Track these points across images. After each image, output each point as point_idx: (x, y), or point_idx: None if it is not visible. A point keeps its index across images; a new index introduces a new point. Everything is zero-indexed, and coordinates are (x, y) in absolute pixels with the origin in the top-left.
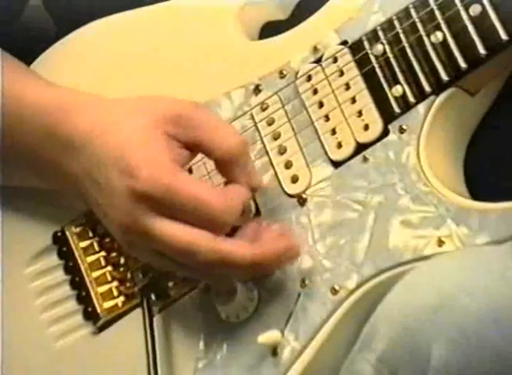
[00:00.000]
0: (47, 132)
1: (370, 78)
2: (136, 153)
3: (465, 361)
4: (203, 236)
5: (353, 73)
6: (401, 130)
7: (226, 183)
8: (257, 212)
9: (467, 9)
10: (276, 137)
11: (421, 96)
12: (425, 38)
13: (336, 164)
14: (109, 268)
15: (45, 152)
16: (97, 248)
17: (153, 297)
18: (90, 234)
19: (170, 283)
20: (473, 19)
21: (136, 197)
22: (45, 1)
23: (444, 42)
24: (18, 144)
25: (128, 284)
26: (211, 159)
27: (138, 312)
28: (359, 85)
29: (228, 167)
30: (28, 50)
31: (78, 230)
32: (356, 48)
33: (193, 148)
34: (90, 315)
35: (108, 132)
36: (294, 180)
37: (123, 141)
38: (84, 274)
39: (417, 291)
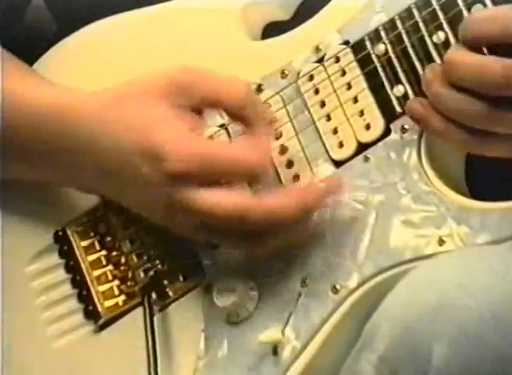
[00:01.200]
0: (53, 131)
1: (372, 78)
2: (155, 135)
3: (466, 360)
4: (246, 196)
5: (355, 72)
6: (403, 130)
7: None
8: None
9: (469, 9)
10: (278, 136)
11: (422, 96)
12: (427, 38)
13: (338, 164)
14: (110, 267)
15: (57, 153)
16: (98, 247)
17: (154, 296)
18: (91, 233)
19: (171, 283)
20: None
21: (171, 178)
22: (47, 1)
23: (446, 42)
24: (26, 142)
25: (129, 283)
26: (223, 111)
27: (139, 311)
28: (361, 85)
29: (242, 111)
30: (30, 50)
31: (79, 229)
32: (358, 47)
33: (202, 107)
34: (91, 314)
35: (118, 121)
36: (296, 179)
37: (137, 126)
38: (85, 273)
39: (418, 291)
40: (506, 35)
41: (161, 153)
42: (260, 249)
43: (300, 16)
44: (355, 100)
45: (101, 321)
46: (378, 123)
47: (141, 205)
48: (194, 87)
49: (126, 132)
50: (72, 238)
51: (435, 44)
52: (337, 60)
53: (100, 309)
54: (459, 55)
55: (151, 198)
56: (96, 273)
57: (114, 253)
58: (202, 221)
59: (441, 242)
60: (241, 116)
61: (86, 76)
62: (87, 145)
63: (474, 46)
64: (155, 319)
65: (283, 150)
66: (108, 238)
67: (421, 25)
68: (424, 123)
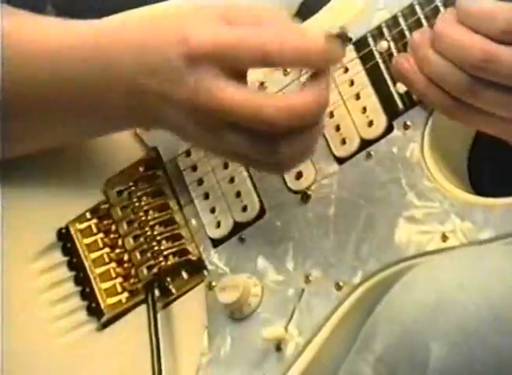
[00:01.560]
0: (97, 58)
1: (374, 74)
2: (189, 21)
3: (464, 360)
4: (267, 95)
5: (357, 69)
6: (405, 127)
7: None
8: (262, 209)
9: None
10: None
11: None
12: None
13: (341, 160)
14: (113, 264)
15: (102, 79)
16: (101, 244)
17: (157, 293)
18: (95, 231)
19: (174, 280)
20: None
21: (194, 60)
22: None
23: None
24: (67, 88)
25: (132, 281)
26: None
27: (142, 308)
28: (363, 82)
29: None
30: None
31: (82, 226)
32: (360, 44)
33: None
34: (94, 311)
35: (159, 21)
36: (298, 176)
37: (174, 17)
38: (88, 270)
39: (416, 291)
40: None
41: (188, 35)
42: (275, 159)
43: (303, 13)
44: (357, 97)
45: (104, 318)
46: (381, 120)
47: (172, 108)
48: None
49: (167, 23)
50: (75, 236)
51: None
52: None
53: (103, 307)
54: (446, 27)
55: (179, 92)
56: (99, 270)
57: (117, 250)
58: (222, 120)
59: (444, 238)
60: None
61: None
62: (132, 51)
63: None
64: (159, 316)
65: None
66: (111, 236)
67: (423, 21)
68: (407, 81)
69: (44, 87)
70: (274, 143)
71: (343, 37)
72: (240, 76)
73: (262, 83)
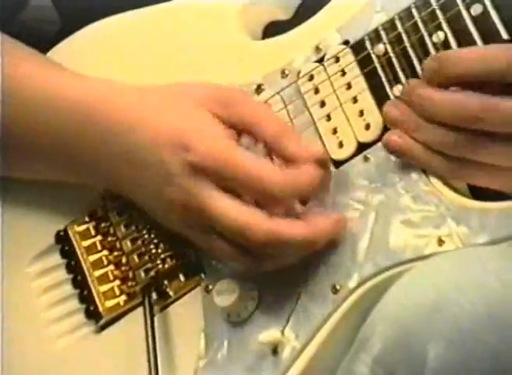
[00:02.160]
0: (85, 122)
1: (371, 78)
2: (190, 129)
3: (462, 360)
4: (257, 216)
5: (354, 72)
6: None
7: None
8: None
9: (468, 9)
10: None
11: None
12: (427, 38)
13: (337, 164)
14: (111, 267)
15: (82, 143)
16: (99, 247)
17: (154, 296)
18: (93, 233)
19: (171, 283)
20: (474, 19)
21: (194, 170)
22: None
23: (445, 42)
24: (46, 137)
25: (130, 283)
26: (259, 141)
27: (139, 311)
28: (360, 85)
29: (282, 143)
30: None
31: (80, 229)
32: (358, 47)
33: (239, 128)
34: (92, 314)
35: (154, 116)
36: None
37: (173, 120)
38: (86, 273)
39: (412, 291)
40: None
41: (191, 143)
42: (257, 268)
43: (301, 15)
44: (355, 100)
45: (102, 321)
46: (378, 123)
47: (157, 201)
48: (237, 105)
49: (164, 125)
50: (73, 238)
51: (434, 44)
52: (337, 60)
53: (101, 309)
54: (428, 90)
55: (170, 191)
56: (97, 273)
57: (115, 253)
58: (210, 226)
59: (440, 242)
60: (278, 147)
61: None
62: (124, 131)
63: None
64: (156, 319)
65: None
66: (110, 238)
67: (420, 25)
68: (404, 154)
69: (30, 128)
70: (257, 259)
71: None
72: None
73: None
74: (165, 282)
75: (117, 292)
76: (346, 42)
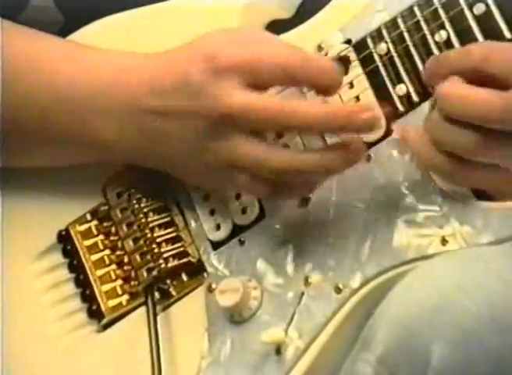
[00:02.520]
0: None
1: (374, 77)
2: (213, 44)
3: (465, 361)
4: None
5: (357, 71)
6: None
7: None
8: (262, 212)
9: (471, 8)
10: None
11: (424, 95)
12: (429, 37)
13: None
14: (113, 266)
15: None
16: (101, 246)
17: (157, 295)
18: (95, 233)
19: (174, 282)
20: (477, 18)
21: (217, 73)
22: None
23: (448, 41)
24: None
25: (132, 283)
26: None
27: (142, 310)
28: (363, 84)
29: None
30: None
31: (82, 228)
32: (360, 46)
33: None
34: (95, 313)
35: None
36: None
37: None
38: (89, 272)
39: (416, 292)
40: None
41: (214, 53)
42: (280, 193)
43: (302, 14)
44: (357, 99)
45: (104, 320)
46: (381, 123)
47: (182, 136)
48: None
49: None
50: (75, 238)
51: (437, 43)
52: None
53: (103, 309)
54: (453, 85)
55: (197, 109)
56: (99, 272)
57: (117, 252)
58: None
59: (444, 242)
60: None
61: None
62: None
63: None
64: (158, 318)
65: None
66: (112, 238)
67: (422, 24)
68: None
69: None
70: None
71: (345, 63)
72: (261, 90)
73: None
74: (168, 281)
75: (119, 292)
76: (348, 41)
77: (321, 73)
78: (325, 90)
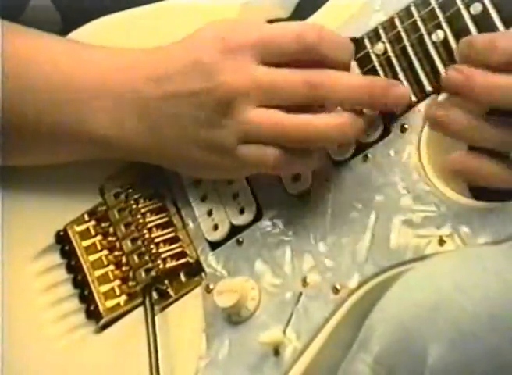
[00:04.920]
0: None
1: None
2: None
3: (462, 360)
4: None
5: (354, 71)
6: (402, 129)
7: None
8: (259, 212)
9: (468, 8)
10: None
11: (422, 95)
12: (426, 37)
13: (337, 164)
14: (111, 267)
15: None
16: (99, 246)
17: (155, 296)
18: (93, 233)
19: (172, 282)
20: (474, 18)
21: (231, 50)
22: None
23: (445, 41)
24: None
25: (130, 283)
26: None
27: (140, 311)
28: None
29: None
30: None
31: (80, 229)
32: (357, 46)
33: None
34: (93, 314)
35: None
36: (296, 179)
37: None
38: (86, 273)
39: (413, 291)
40: None
41: (219, 34)
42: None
43: (299, 14)
44: None
45: (102, 321)
46: (378, 123)
47: (193, 110)
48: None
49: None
50: (73, 238)
51: (433, 43)
52: None
53: (101, 309)
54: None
55: (209, 87)
56: (97, 273)
57: (115, 253)
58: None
59: (441, 242)
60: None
61: None
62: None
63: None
64: (156, 319)
65: None
66: (109, 238)
67: (419, 24)
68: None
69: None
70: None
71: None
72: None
73: None
74: (166, 282)
75: (117, 292)
76: None
77: (338, 46)
78: (340, 64)
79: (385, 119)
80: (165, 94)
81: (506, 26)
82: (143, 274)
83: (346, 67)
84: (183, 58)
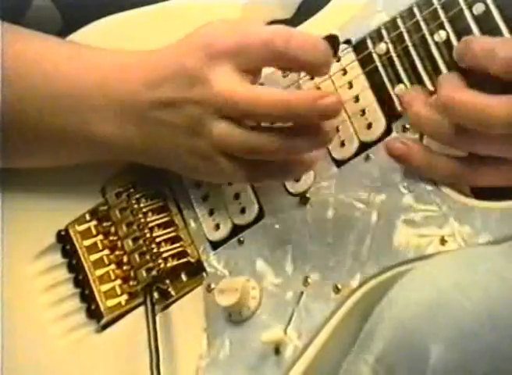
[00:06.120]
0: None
1: (373, 77)
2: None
3: (462, 358)
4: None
5: (356, 71)
6: (404, 129)
7: None
8: (261, 211)
9: (470, 8)
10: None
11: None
12: (429, 37)
13: (339, 163)
14: (112, 266)
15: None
16: (100, 246)
17: (156, 295)
18: (94, 233)
19: (173, 282)
20: (476, 18)
21: (213, 58)
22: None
23: (447, 41)
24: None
25: (131, 283)
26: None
27: (141, 310)
28: (362, 84)
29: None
30: None
31: (81, 228)
32: (359, 47)
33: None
34: (94, 313)
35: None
36: (297, 178)
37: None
38: (88, 272)
39: (414, 291)
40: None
41: (210, 40)
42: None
43: (301, 14)
44: (356, 99)
45: (103, 320)
46: (380, 122)
47: (179, 119)
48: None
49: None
50: (74, 238)
51: (436, 43)
52: (338, 59)
53: (102, 309)
54: (458, 94)
55: (191, 96)
56: (98, 272)
57: (116, 252)
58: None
59: (443, 242)
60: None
61: None
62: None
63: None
64: (157, 318)
65: None
66: (111, 237)
67: (422, 24)
68: (406, 160)
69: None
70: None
71: (333, 42)
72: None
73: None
74: (167, 281)
75: (118, 291)
76: (347, 41)
77: (307, 48)
78: (314, 69)
79: (388, 119)
80: (154, 99)
81: (509, 26)
82: (144, 274)
83: (317, 69)
84: (170, 64)
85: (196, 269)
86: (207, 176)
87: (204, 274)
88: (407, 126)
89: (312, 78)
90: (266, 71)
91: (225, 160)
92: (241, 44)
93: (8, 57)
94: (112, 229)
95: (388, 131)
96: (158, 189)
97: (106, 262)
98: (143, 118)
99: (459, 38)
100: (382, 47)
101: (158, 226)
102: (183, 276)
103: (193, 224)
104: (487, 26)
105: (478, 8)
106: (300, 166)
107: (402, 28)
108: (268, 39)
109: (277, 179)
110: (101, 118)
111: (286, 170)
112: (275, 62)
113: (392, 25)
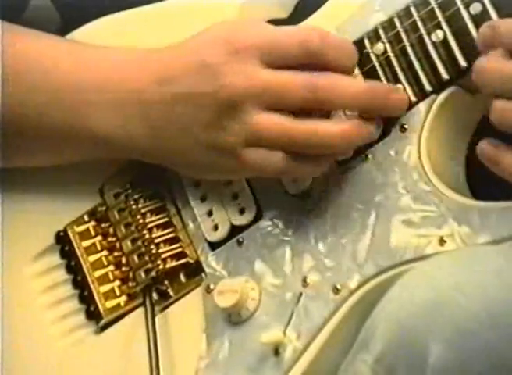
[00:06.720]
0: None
1: (371, 77)
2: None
3: (462, 359)
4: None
5: (354, 72)
6: (402, 129)
7: None
8: (259, 212)
9: (467, 8)
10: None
11: (421, 95)
12: (426, 37)
13: (338, 163)
14: (111, 267)
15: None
16: (99, 247)
17: (155, 296)
18: (93, 234)
19: (172, 283)
20: (473, 18)
21: (236, 52)
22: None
23: (445, 41)
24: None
25: (130, 284)
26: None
27: (140, 311)
28: None
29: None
30: None
31: (80, 229)
32: (357, 46)
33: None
34: (93, 314)
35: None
36: (296, 179)
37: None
38: (86, 273)
39: (413, 291)
40: None
41: (224, 36)
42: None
43: (299, 14)
44: None
45: (102, 322)
46: (380, 123)
47: (196, 112)
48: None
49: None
50: (73, 239)
51: (433, 43)
52: None
53: (101, 310)
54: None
55: (214, 89)
56: (97, 273)
57: (115, 253)
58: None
59: (442, 242)
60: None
61: None
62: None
63: None
64: (157, 319)
65: None
66: (109, 238)
67: (419, 24)
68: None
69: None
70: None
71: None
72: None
73: None
74: (166, 282)
75: (117, 293)
76: None
77: (341, 50)
78: (345, 70)
79: (386, 119)
80: (168, 95)
81: None
82: (143, 275)
83: (349, 72)
84: (187, 60)
85: (195, 270)
86: (221, 173)
87: (203, 275)
88: (405, 125)
89: None
90: None
91: (254, 152)
92: (271, 40)
93: (8, 56)
94: (111, 230)
95: (386, 131)
96: (156, 189)
97: (105, 263)
98: (149, 115)
99: (456, 38)
100: (379, 47)
101: (157, 226)
102: (182, 277)
103: (191, 225)
104: None
105: (475, 8)
106: (330, 159)
107: (399, 28)
108: (306, 37)
109: (309, 173)
110: (101, 114)
111: (318, 163)
112: (307, 61)
113: (389, 25)
